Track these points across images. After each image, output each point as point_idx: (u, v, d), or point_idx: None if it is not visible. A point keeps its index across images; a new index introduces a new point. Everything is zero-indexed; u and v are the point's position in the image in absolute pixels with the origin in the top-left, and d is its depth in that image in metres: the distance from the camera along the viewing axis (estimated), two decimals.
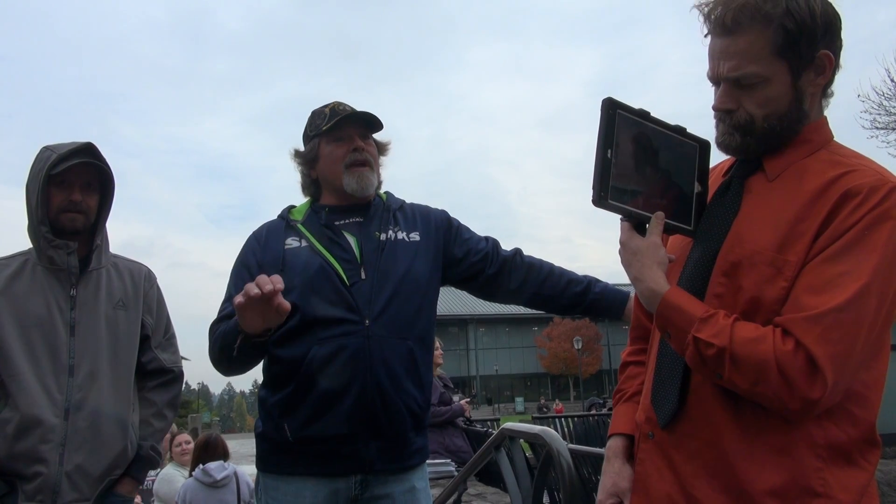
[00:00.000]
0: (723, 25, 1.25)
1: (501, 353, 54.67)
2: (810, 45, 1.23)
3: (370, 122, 2.09)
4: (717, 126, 1.33)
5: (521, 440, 3.40)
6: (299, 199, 2.19)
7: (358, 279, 1.94)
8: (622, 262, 1.33)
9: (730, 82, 1.27)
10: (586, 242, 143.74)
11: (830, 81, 1.30)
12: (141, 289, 2.35)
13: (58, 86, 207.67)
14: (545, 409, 35.69)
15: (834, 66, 1.27)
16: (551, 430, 2.93)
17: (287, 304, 1.67)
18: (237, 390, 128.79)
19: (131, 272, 2.36)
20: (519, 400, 49.16)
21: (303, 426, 1.88)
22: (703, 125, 1.42)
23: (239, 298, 1.64)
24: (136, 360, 2.30)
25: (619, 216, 1.32)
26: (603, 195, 1.26)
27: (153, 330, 2.36)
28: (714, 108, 1.31)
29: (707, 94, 1.36)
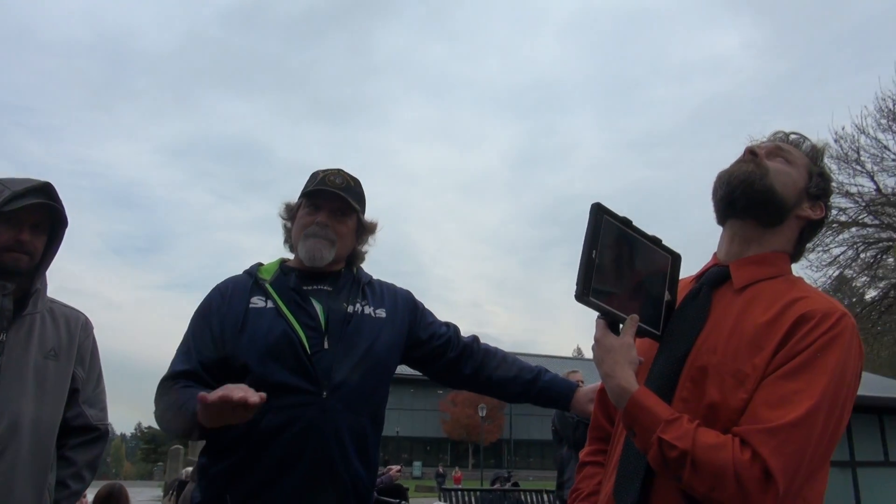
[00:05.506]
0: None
1: (404, 414, 53.77)
2: (821, 187, 1.50)
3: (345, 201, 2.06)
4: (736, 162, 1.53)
5: None
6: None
7: (320, 348, 1.90)
8: (594, 357, 1.40)
9: (773, 146, 1.53)
10: (495, 309, 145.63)
11: (810, 235, 1.52)
12: (76, 339, 2.21)
13: None
14: (442, 477, 35.11)
15: (821, 219, 1.50)
16: None
17: (262, 397, 1.60)
18: (117, 432, 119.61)
19: (67, 320, 2.22)
20: (417, 464, 48.19)
21: (247, 498, 1.80)
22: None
23: (216, 403, 1.57)
24: (62, 415, 2.14)
25: (597, 314, 1.40)
26: (586, 292, 1.34)
27: (83, 383, 2.21)
28: (748, 147, 1.52)
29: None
